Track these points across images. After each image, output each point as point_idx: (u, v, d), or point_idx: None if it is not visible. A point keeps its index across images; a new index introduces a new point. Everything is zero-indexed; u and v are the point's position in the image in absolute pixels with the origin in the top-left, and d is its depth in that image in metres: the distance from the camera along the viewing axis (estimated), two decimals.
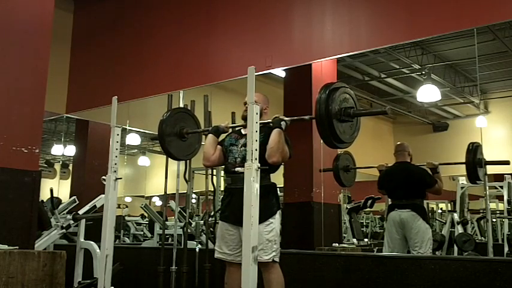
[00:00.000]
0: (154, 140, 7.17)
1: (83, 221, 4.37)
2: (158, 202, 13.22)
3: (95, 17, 6.37)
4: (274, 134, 3.02)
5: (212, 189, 4.70)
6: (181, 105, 4.86)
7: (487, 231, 5.64)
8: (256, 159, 2.38)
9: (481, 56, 6.83)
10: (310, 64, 5.42)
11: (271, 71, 5.03)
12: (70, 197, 6.13)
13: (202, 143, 3.59)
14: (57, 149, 9.68)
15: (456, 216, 6.45)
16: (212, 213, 4.92)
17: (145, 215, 8.52)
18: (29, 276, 2.94)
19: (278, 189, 3.38)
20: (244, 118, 3.23)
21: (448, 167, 6.02)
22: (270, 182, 3.18)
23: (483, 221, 7.54)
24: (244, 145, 3.13)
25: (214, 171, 4.75)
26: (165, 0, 5.71)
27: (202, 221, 5.16)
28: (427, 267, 3.45)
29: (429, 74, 7.41)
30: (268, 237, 3.02)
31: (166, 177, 4.44)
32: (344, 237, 6.62)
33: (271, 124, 3.06)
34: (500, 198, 7.68)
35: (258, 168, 2.38)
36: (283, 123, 3.02)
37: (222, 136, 3.44)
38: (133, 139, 9.03)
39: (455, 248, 5.97)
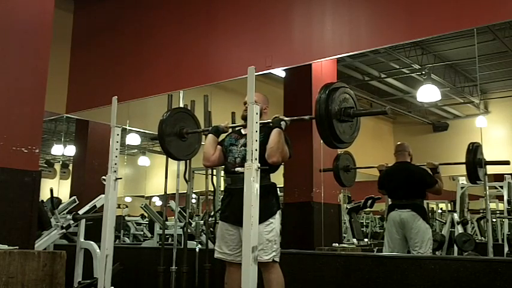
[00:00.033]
0: (154, 140, 7.17)
1: (83, 221, 4.37)
2: (158, 202, 13.22)
3: (95, 17, 6.37)
4: (274, 134, 3.02)
5: (212, 189, 4.70)
6: (181, 105, 4.85)
7: (487, 231, 5.64)
8: (256, 159, 2.38)
9: (481, 56, 6.83)
10: (310, 64, 5.42)
11: (271, 71, 5.04)
12: (70, 197, 6.13)
13: (202, 143, 3.59)
14: (57, 149, 9.68)
15: (456, 216, 6.45)
16: (212, 213, 4.92)
17: (145, 215, 8.51)
18: (29, 276, 2.94)
19: (278, 189, 3.37)
20: (244, 118, 3.23)
21: (448, 167, 6.02)
22: (270, 182, 3.18)
23: (483, 221, 7.54)
24: (244, 145, 3.13)
25: (214, 171, 4.76)
26: (165, 0, 5.71)
27: (202, 221, 5.16)
28: (427, 267, 3.45)
29: (429, 74, 7.41)
30: (268, 237, 3.02)
31: (166, 177, 4.44)
32: (344, 237, 6.62)
33: (271, 124, 3.06)
34: (500, 198, 7.68)
35: (258, 168, 2.37)
36: (283, 123, 3.02)
37: (222, 136, 3.44)
38: (133, 139, 9.03)
39: (455, 248, 5.97)
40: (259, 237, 2.60)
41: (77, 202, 5.09)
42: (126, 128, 6.99)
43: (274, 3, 4.83)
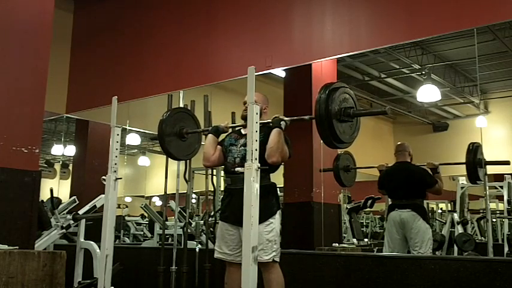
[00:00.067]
0: (154, 140, 7.17)
1: (83, 221, 4.37)
2: (158, 202, 13.22)
3: (95, 17, 6.37)
4: (274, 134, 3.02)
5: (212, 189, 4.70)
6: (181, 105, 4.85)
7: (487, 231, 5.64)
8: (256, 159, 2.38)
9: (481, 56, 6.83)
10: (310, 64, 5.42)
11: (271, 71, 5.04)
12: (70, 197, 6.13)
13: (202, 143, 3.59)
14: (57, 149, 9.68)
15: (456, 216, 6.45)
16: (212, 213, 4.92)
17: (145, 215, 8.51)
18: (29, 276, 2.94)
19: (278, 189, 3.37)
20: (244, 118, 3.23)
21: (448, 167, 6.02)
22: (269, 182, 3.18)
23: (483, 221, 7.54)
24: (244, 145, 3.13)
25: (214, 171, 4.76)
26: (165, 0, 5.71)
27: (202, 221, 5.16)
28: (427, 267, 3.45)
29: (429, 74, 7.41)
30: (268, 237, 3.02)
31: (166, 177, 4.43)
32: (344, 237, 6.62)
33: (271, 124, 3.06)
34: (500, 198, 7.68)
35: (258, 168, 2.37)
36: (282, 123, 3.02)
37: (222, 136, 3.44)
38: (133, 139, 9.03)
39: (455, 248, 5.97)
40: (259, 237, 2.60)
41: (77, 202, 5.09)
42: (126, 128, 6.99)
43: (274, 3, 4.83)
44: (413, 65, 7.42)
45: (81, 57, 6.37)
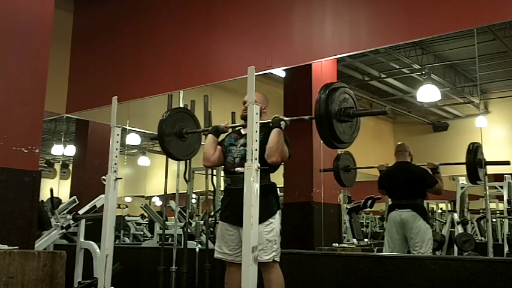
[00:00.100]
0: (154, 140, 7.17)
1: (83, 221, 4.37)
2: (158, 202, 13.22)
3: (95, 17, 6.37)
4: (274, 134, 3.02)
5: (212, 189, 4.70)
6: (181, 105, 4.85)
7: (487, 231, 5.64)
8: (256, 159, 2.38)
9: (481, 56, 6.83)
10: (310, 64, 5.42)
11: (271, 71, 5.04)
12: (70, 197, 6.12)
13: (202, 143, 3.59)
14: (57, 149, 9.68)
15: (456, 216, 6.45)
16: (212, 213, 4.92)
17: (145, 215, 8.51)
18: (29, 276, 2.94)
19: (278, 189, 3.37)
20: (244, 118, 3.23)
21: (448, 167, 6.02)
22: (269, 181, 3.18)
23: (483, 221, 7.54)
24: (243, 145, 3.14)
25: (214, 171, 4.75)
26: (165, 0, 5.71)
27: (202, 221, 5.16)
28: (427, 267, 3.45)
29: (429, 74, 7.41)
30: (268, 237, 3.02)
31: (166, 177, 4.43)
32: (344, 237, 6.62)
33: (270, 124, 3.06)
34: (500, 198, 7.68)
35: (258, 168, 2.37)
36: (282, 123, 3.02)
37: (222, 136, 3.44)
38: (133, 139, 9.03)
39: (455, 248, 5.97)
40: (259, 237, 2.60)
41: (77, 202, 5.08)
42: (126, 128, 6.99)
43: (274, 3, 4.83)
44: (413, 65, 7.42)
45: (81, 57, 6.37)
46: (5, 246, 3.06)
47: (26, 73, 3.68)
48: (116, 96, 3.26)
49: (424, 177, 4.65)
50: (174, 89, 5.12)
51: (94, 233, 3.91)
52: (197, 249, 4.46)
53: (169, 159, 4.07)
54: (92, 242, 4.17)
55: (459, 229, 6.21)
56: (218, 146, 3.35)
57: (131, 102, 5.80)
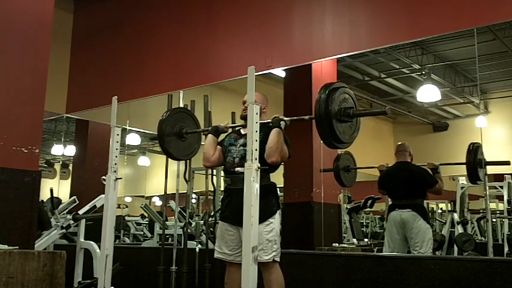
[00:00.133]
0: (154, 140, 7.17)
1: (83, 221, 4.37)
2: (158, 202, 13.22)
3: (95, 17, 6.37)
4: (273, 134, 3.01)
5: (212, 189, 4.70)
6: (181, 105, 4.85)
7: (487, 231, 5.64)
8: (256, 159, 2.38)
9: (481, 56, 6.84)
10: (310, 64, 5.42)
11: (271, 71, 5.04)
12: (70, 197, 6.13)
13: (202, 143, 3.59)
14: (57, 149, 9.68)
15: (456, 216, 6.44)
16: (212, 213, 4.92)
17: (145, 215, 8.51)
18: (29, 276, 2.94)
19: (278, 189, 3.37)
20: (243, 118, 3.23)
21: (448, 167, 6.02)
22: (269, 181, 3.18)
23: (483, 221, 7.54)
24: (243, 145, 3.14)
25: (214, 171, 4.75)
26: (165, 0, 5.71)
27: (202, 221, 5.17)
28: (427, 267, 3.45)
29: (429, 74, 7.41)
30: (268, 237, 3.02)
31: (166, 177, 4.43)
32: (344, 237, 6.62)
33: (270, 124, 3.06)
34: (500, 198, 7.68)
35: (258, 168, 2.37)
36: (282, 123, 3.02)
37: (222, 136, 3.44)
38: (133, 139, 9.03)
39: (455, 248, 5.97)
40: (259, 237, 2.60)
41: (77, 202, 5.09)
42: (126, 128, 6.99)
43: (274, 3, 4.83)
44: (413, 65, 7.42)
45: (81, 57, 6.37)
46: (5, 246, 3.06)
47: (26, 73, 3.68)
48: (116, 96, 3.26)
49: (425, 177, 4.65)
50: (174, 89, 5.12)
51: (94, 233, 3.91)
52: (197, 249, 4.46)
53: (169, 159, 4.07)
54: (92, 242, 4.17)
55: (459, 229, 6.21)
56: (218, 146, 3.35)
57: (131, 102, 5.80)
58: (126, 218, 9.05)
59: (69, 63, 6.39)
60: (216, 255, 3.24)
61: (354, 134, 2.88)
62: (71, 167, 8.50)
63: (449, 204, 8.92)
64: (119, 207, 6.32)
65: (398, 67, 7.74)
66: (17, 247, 3.12)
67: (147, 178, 12.42)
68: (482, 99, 8.86)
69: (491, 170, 5.42)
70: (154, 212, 7.03)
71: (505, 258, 4.91)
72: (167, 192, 4.51)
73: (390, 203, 4.91)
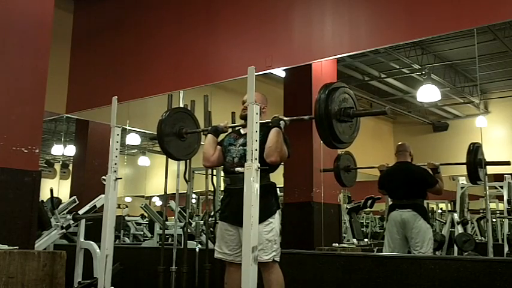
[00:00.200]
0: (154, 140, 7.17)
1: (83, 221, 4.37)
2: (158, 202, 13.22)
3: (95, 17, 6.37)
4: (273, 134, 3.01)
5: (212, 189, 4.70)
6: (181, 105, 4.85)
7: (487, 231, 5.64)
8: (256, 159, 2.38)
9: (481, 56, 6.83)
10: (310, 64, 5.42)
11: (271, 71, 5.03)
12: (70, 197, 6.13)
13: (202, 143, 3.59)
14: (57, 149, 9.68)
15: (456, 216, 6.45)
16: (212, 213, 4.92)
17: (145, 215, 8.51)
18: (29, 276, 2.94)
19: (278, 189, 3.37)
20: (243, 117, 3.23)
21: (448, 167, 6.02)
22: (269, 181, 3.17)
23: (483, 221, 7.54)
24: (242, 145, 3.14)
25: (214, 171, 4.75)
26: (165, 0, 5.71)
27: (202, 221, 5.17)
28: (427, 267, 3.45)
29: (429, 74, 7.41)
30: (268, 237, 3.02)
31: (166, 177, 4.43)
32: (344, 237, 6.62)
33: (270, 124, 3.06)
34: (500, 198, 7.67)
35: (258, 168, 2.37)
36: (282, 122, 3.02)
37: (222, 136, 3.44)
38: (133, 139, 9.03)
39: (455, 248, 5.97)
40: (259, 237, 2.60)
41: (77, 202, 5.09)
42: (126, 128, 7.00)
43: (274, 3, 4.83)
44: (413, 65, 7.42)
45: (81, 57, 6.37)
46: (5, 246, 3.06)
47: (26, 73, 3.68)
48: (116, 96, 3.26)
49: (425, 177, 4.65)
50: (174, 89, 5.12)
51: (94, 233, 3.91)
52: (197, 249, 4.46)
53: (169, 159, 4.07)
54: (92, 242, 4.17)
55: (459, 229, 6.21)
56: (218, 146, 3.34)
57: (131, 102, 5.80)
58: (126, 218, 9.05)
59: (69, 63, 6.40)
60: (216, 255, 3.24)
61: (353, 134, 2.88)
62: (71, 167, 8.50)
63: (449, 204, 8.92)
64: (119, 207, 6.32)
65: (398, 67, 7.74)
66: (17, 247, 3.12)
67: (147, 178, 12.43)
68: (482, 99, 8.86)
69: (491, 170, 5.42)
70: (154, 212, 7.03)
71: (505, 258, 4.91)
72: (167, 192, 4.51)
73: (390, 203, 4.91)
